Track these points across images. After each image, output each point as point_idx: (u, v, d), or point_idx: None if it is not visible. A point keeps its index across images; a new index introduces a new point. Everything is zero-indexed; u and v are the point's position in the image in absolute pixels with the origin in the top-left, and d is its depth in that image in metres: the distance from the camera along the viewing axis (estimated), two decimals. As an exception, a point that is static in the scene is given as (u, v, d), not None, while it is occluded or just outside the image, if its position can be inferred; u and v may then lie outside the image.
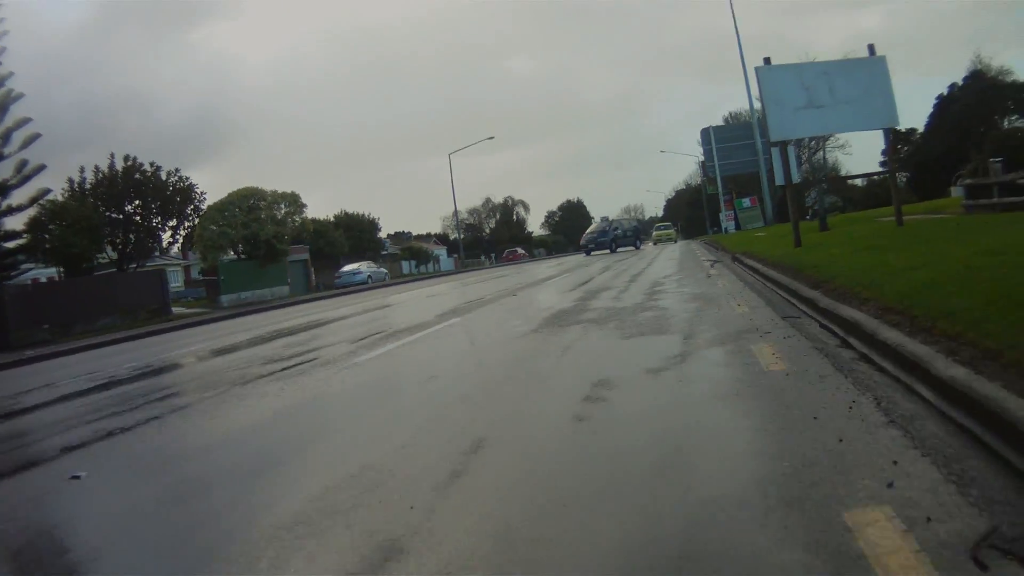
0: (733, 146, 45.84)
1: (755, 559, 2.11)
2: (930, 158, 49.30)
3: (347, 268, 47.39)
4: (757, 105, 40.39)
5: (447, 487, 3.07)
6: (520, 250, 75.87)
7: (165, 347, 14.41)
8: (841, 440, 2.94)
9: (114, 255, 37.57)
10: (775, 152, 19.24)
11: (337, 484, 3.29)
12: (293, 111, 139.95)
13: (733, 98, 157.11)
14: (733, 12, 43.35)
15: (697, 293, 10.00)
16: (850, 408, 3.38)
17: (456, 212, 59.96)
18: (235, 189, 45.96)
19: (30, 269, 36.13)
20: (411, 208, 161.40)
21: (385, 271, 49.77)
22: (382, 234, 64.36)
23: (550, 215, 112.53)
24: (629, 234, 45.54)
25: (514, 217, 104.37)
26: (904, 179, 61.66)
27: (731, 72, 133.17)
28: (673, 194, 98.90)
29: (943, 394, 3.27)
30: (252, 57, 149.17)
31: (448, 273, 48.38)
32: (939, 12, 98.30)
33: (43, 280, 37.10)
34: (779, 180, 18.98)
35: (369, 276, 45.55)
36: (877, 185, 62.14)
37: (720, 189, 46.89)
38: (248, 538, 2.79)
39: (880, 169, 38.83)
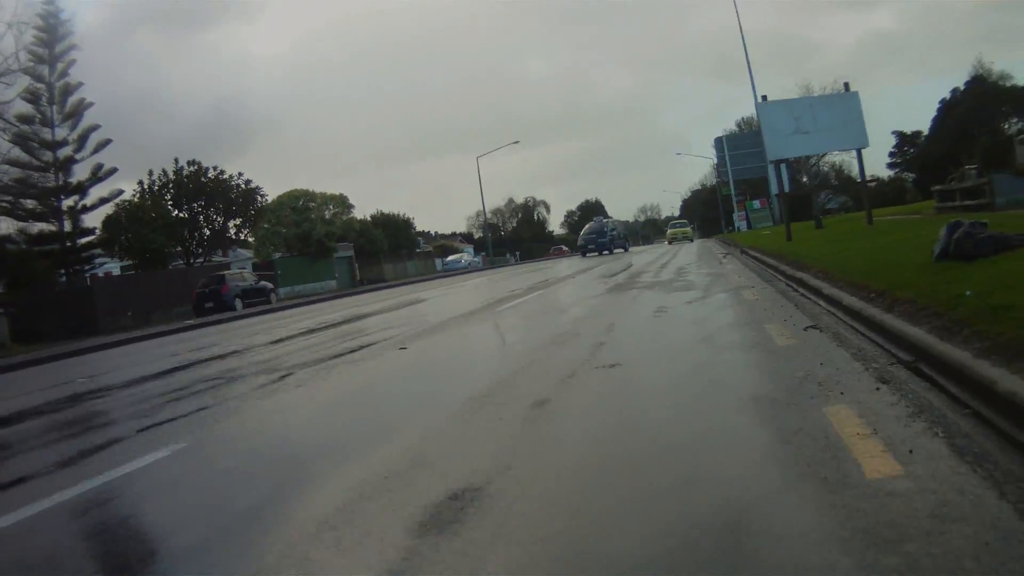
0: (744, 153, 49.74)
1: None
2: (932, 160, 51.97)
3: (451, 257, 57.63)
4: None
5: (609, 332, 7.25)
6: (564, 247, 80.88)
7: (260, 328, 16.05)
8: (771, 315, 7.08)
9: (180, 250, 41.74)
10: (771, 168, 23.43)
11: (536, 353, 7.45)
12: (310, 111, 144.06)
13: (747, 98, 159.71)
14: (741, 29, 46.84)
15: (712, 272, 14.17)
16: (784, 309, 7.51)
17: (484, 212, 64.24)
18: (285, 191, 50.35)
19: (104, 263, 40.53)
20: (433, 207, 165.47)
21: (479, 259, 56.33)
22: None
23: (569, 214, 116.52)
24: (620, 237, 47.59)
25: (535, 217, 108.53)
26: (911, 180, 65.28)
27: (744, 71, 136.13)
28: (689, 194, 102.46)
29: (841, 308, 7.32)
30: (269, 56, 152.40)
31: (481, 269, 52.68)
32: (952, 10, 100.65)
33: (115, 273, 41.45)
34: (774, 190, 23.09)
35: (468, 263, 53.45)
36: (886, 186, 65.95)
37: (732, 192, 50.79)
38: (450, 404, 6.95)
39: (871, 177, 42.68)
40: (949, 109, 57.83)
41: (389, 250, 58.35)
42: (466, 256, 54.65)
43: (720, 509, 2.43)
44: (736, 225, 50.18)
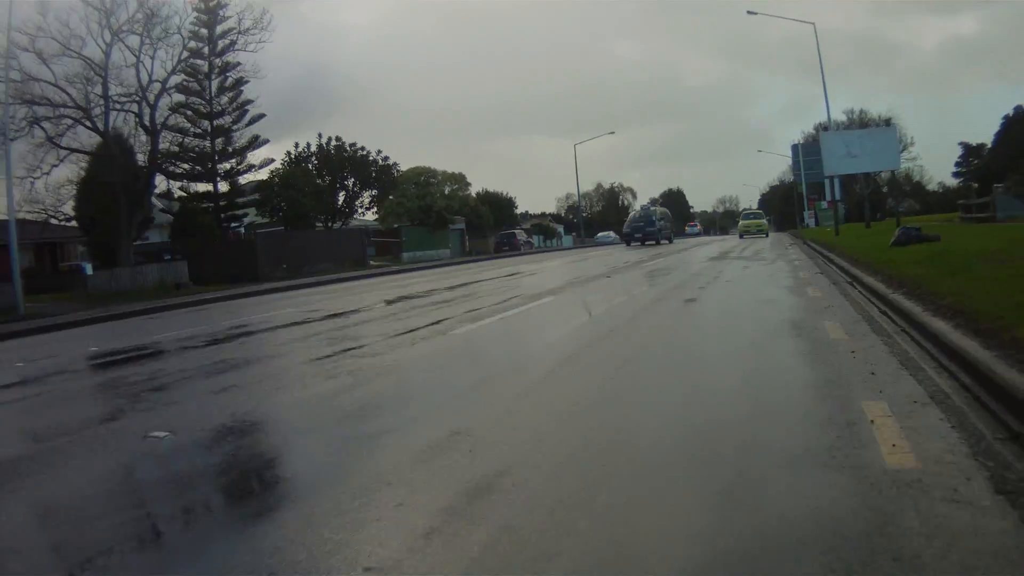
0: (815, 159, 55.20)
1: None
2: (992, 172, 56.44)
3: (601, 234, 67.92)
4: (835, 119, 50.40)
5: (714, 274, 14.78)
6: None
7: (407, 282, 23.17)
8: (806, 268, 14.45)
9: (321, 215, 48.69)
10: (826, 181, 30.39)
11: (640, 300, 14.99)
12: (396, 81, 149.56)
13: (831, 98, 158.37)
14: (821, 62, 52.40)
15: (779, 254, 21.44)
16: (819, 271, 14.84)
17: (580, 195, 71.59)
18: (409, 167, 58.18)
19: (252, 222, 47.80)
20: (523, 187, 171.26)
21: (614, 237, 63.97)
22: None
23: (652, 201, 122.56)
24: (667, 227, 43.49)
25: (620, 202, 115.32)
26: (975, 189, 69.56)
27: (830, 73, 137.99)
28: (768, 189, 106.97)
29: (836, 265, 14.67)
30: (356, 26, 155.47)
31: (575, 248, 60.07)
32: None
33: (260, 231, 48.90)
34: (828, 197, 30.02)
35: (614, 239, 59.60)
36: (952, 192, 70.37)
37: (804, 192, 56.70)
38: (534, 353, 14.50)
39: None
40: (1012, 124, 61.62)
41: (495, 225, 66.19)
42: (612, 234, 63.84)
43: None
44: (806, 222, 55.99)
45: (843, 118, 72.01)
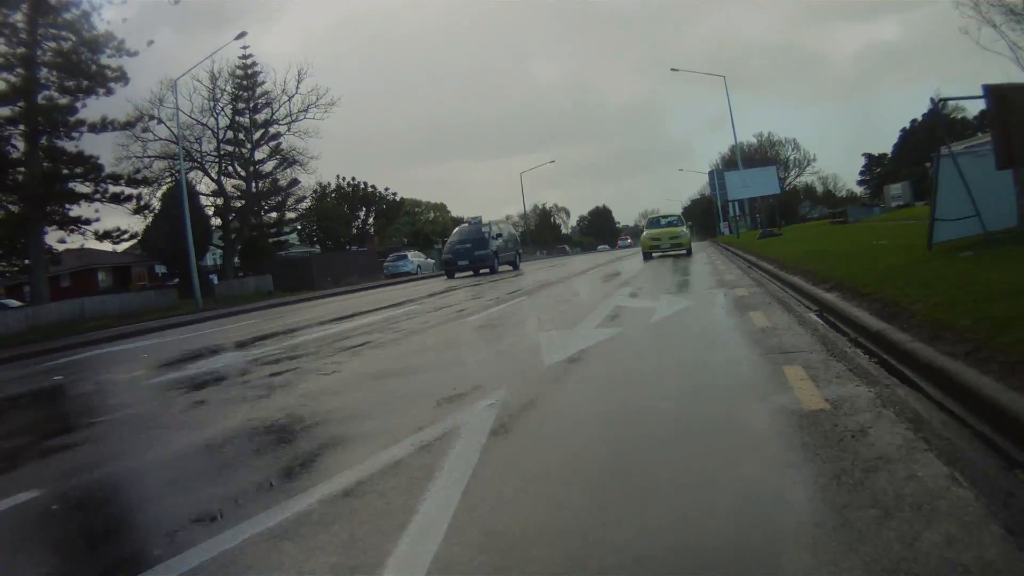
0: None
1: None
2: (890, 180, 65.82)
3: (392, 256, 73.93)
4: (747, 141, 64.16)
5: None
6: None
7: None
8: (729, 271, 26.79)
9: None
10: (731, 204, 43.64)
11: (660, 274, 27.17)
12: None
13: (750, 110, 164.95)
14: (731, 112, 65.80)
15: (698, 250, 33.95)
16: (721, 256, 27.16)
17: (526, 217, 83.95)
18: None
19: (294, 245, 59.59)
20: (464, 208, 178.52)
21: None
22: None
23: (581, 219, 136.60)
24: (510, 245, 32.13)
25: (552, 220, 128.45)
26: (866, 195, 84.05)
27: (745, 83, 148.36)
28: (689, 202, 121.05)
29: (732, 252, 27.06)
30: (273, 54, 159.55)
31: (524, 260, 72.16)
32: (952, 23, 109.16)
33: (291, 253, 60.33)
34: (734, 211, 43.28)
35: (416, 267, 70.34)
36: (856, 199, 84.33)
37: (719, 207, 70.18)
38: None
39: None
40: (908, 137, 72.68)
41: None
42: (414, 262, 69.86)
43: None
44: (721, 230, 69.17)
45: (754, 141, 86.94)
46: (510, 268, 31.29)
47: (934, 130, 10.99)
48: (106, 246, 37.90)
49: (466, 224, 31.84)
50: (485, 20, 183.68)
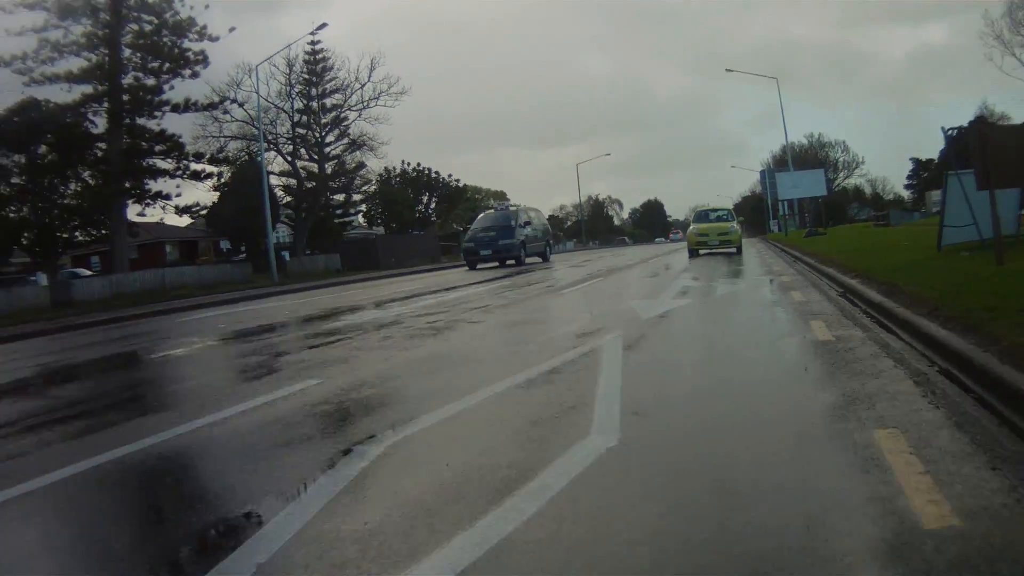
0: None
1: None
2: (935, 186, 68.19)
3: (674, 233, 76.70)
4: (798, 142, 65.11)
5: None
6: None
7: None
8: (776, 263, 28.61)
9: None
10: (781, 203, 45.09)
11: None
12: None
13: (799, 109, 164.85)
14: (783, 114, 66.67)
15: (748, 246, 35.70)
16: (770, 252, 28.96)
17: (582, 209, 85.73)
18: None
19: (359, 226, 62.41)
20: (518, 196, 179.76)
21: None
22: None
23: (633, 212, 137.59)
24: (540, 235, 30.24)
25: (605, 211, 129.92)
26: (912, 199, 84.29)
27: (795, 80, 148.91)
28: (740, 199, 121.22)
29: (780, 249, 28.84)
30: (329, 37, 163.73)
31: (581, 250, 74.14)
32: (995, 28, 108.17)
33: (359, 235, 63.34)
34: (784, 211, 44.76)
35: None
36: (904, 203, 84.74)
37: (769, 205, 71.21)
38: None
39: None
40: (954, 143, 74.75)
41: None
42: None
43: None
44: (771, 228, 70.30)
45: (805, 142, 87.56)
46: (539, 259, 29.19)
47: (947, 156, 12.91)
48: (177, 221, 40.87)
49: (492, 210, 30.60)
50: (534, 13, 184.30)
